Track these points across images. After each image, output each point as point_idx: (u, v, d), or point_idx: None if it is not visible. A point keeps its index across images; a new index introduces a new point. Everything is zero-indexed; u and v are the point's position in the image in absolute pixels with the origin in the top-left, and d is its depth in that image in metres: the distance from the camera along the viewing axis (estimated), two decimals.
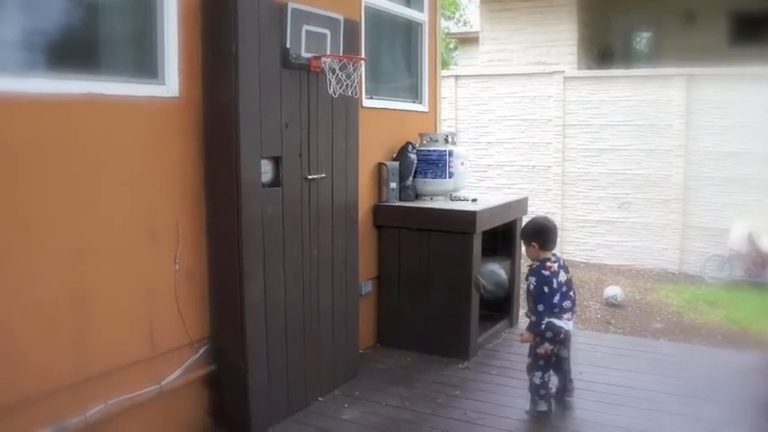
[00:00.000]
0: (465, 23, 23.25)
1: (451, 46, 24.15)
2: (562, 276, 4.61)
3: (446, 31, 22.69)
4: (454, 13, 23.70)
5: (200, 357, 4.38)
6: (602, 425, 4.61)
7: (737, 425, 4.65)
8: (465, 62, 21.62)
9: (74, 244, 3.55)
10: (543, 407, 4.65)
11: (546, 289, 4.54)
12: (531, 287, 4.61)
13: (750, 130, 11.31)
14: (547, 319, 4.54)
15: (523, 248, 5.05)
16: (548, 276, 4.56)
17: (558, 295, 4.55)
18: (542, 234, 4.73)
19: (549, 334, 4.58)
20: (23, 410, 3.33)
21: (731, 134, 11.51)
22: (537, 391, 4.66)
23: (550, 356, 4.65)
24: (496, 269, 6.06)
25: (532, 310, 4.66)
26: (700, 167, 11.81)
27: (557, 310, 4.55)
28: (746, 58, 11.81)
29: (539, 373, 4.65)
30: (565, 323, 4.59)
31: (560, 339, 4.64)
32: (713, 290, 10.88)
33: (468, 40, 21.36)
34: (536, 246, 4.70)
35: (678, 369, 5.67)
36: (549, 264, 4.61)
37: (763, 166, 11.16)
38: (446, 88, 13.13)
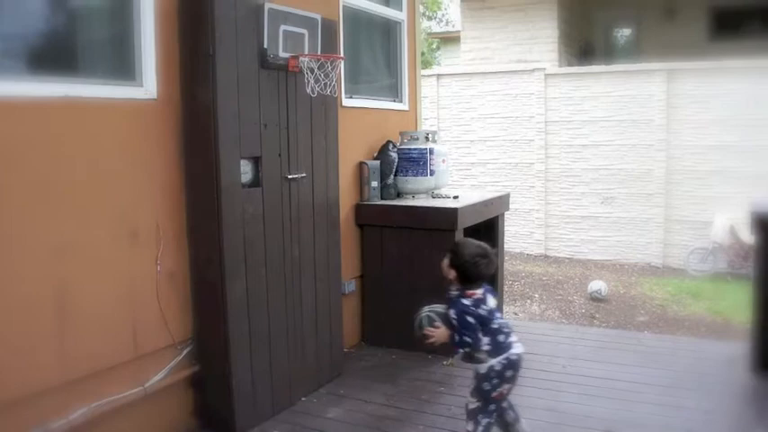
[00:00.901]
0: (447, 23, 23.31)
1: (434, 46, 24.20)
2: (491, 301, 3.78)
3: (428, 30, 22.74)
4: (436, 13, 23.74)
5: (183, 358, 4.38)
6: (581, 416, 4.62)
7: (719, 414, 4.70)
8: (448, 61, 21.69)
9: (55, 245, 3.55)
10: None
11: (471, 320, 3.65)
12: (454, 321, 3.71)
13: (730, 124, 11.42)
14: (504, 356, 3.69)
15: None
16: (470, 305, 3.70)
17: (496, 320, 3.73)
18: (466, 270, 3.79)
19: (509, 372, 3.72)
20: (5, 414, 3.33)
21: (712, 128, 11.61)
22: None
23: (506, 396, 3.83)
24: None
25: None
26: (681, 161, 11.90)
27: (502, 338, 3.72)
28: (726, 53, 11.91)
29: (486, 419, 3.77)
30: (517, 347, 3.76)
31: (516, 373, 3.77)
32: (697, 282, 10.97)
33: (450, 39, 21.42)
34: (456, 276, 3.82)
35: (661, 360, 5.71)
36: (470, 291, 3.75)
37: (743, 158, 11.27)
38: (428, 87, 13.18)
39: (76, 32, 3.95)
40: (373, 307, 6.15)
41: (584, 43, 15.79)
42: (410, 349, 5.88)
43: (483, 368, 3.72)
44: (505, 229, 7.05)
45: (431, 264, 5.75)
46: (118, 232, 3.91)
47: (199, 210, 4.32)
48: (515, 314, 9.12)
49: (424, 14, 22.40)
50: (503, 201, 6.87)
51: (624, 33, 16.88)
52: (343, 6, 5.87)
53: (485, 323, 3.68)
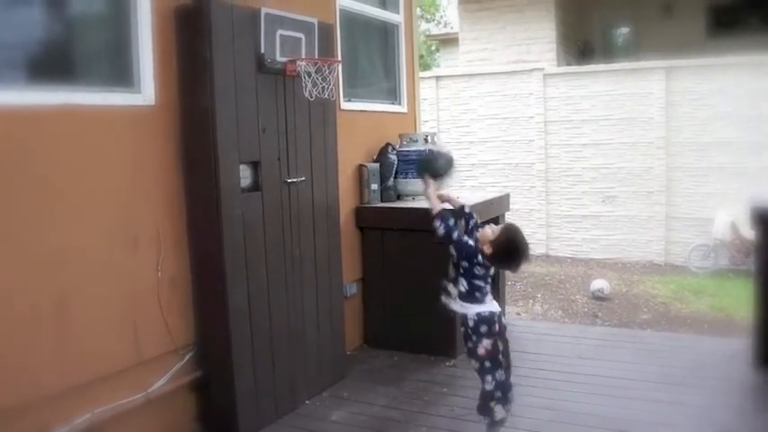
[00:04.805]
0: (445, 25, 23.29)
1: (433, 48, 24.20)
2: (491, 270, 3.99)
3: (427, 33, 22.74)
4: (434, 15, 23.74)
5: (186, 363, 4.39)
6: (584, 415, 4.62)
7: (722, 409, 4.70)
8: (447, 63, 21.66)
9: (55, 252, 3.57)
10: (501, 413, 3.98)
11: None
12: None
13: (729, 120, 11.41)
14: (476, 311, 3.90)
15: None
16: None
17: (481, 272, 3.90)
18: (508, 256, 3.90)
19: (483, 328, 3.88)
20: (7, 422, 3.34)
21: (711, 124, 11.60)
22: (492, 397, 3.95)
23: (495, 352, 3.92)
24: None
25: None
26: (681, 158, 11.89)
27: (478, 294, 3.92)
28: (724, 49, 11.92)
29: (488, 377, 3.93)
30: (492, 306, 3.95)
31: (498, 331, 3.94)
32: (699, 279, 10.96)
33: (449, 41, 21.38)
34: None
35: (663, 358, 5.71)
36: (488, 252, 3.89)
37: (743, 154, 11.26)
38: (427, 89, 13.17)
39: (74, 40, 3.97)
40: (375, 309, 6.15)
41: (583, 43, 15.80)
42: (412, 351, 5.90)
43: (457, 313, 4.01)
44: None
45: (432, 265, 5.78)
46: (118, 238, 3.93)
47: (199, 215, 4.33)
48: (518, 314, 9.12)
49: (422, 17, 22.41)
50: (503, 201, 6.87)
51: (622, 32, 16.89)
52: (340, 10, 5.88)
53: (469, 259, 3.89)
